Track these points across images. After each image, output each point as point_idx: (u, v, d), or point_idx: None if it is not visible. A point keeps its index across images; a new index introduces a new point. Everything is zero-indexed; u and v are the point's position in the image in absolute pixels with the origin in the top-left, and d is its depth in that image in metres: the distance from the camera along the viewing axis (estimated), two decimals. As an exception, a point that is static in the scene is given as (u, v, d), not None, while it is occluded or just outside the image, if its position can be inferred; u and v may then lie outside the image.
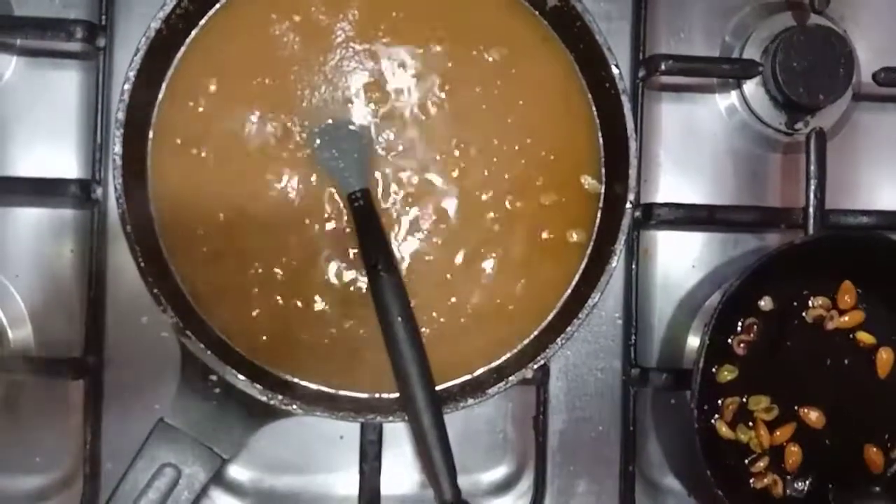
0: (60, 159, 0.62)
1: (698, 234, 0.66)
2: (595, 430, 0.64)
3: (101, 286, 0.60)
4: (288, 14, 0.55)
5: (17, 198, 0.61)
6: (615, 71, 0.54)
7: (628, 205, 0.55)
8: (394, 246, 0.56)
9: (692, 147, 0.67)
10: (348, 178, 0.55)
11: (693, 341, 0.65)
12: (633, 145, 0.55)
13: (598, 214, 0.58)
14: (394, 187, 0.56)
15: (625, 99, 0.55)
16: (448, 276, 0.56)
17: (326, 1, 0.55)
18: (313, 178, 0.55)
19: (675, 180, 0.67)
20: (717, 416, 0.61)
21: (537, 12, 0.57)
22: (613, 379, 0.64)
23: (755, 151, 0.67)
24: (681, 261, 0.66)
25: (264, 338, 0.54)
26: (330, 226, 0.55)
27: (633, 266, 0.64)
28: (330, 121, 0.55)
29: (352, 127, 0.56)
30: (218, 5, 0.55)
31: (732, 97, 0.67)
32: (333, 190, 0.55)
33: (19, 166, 0.61)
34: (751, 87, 0.66)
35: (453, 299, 0.56)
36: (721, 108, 0.67)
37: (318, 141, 0.55)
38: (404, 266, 0.55)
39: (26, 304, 0.61)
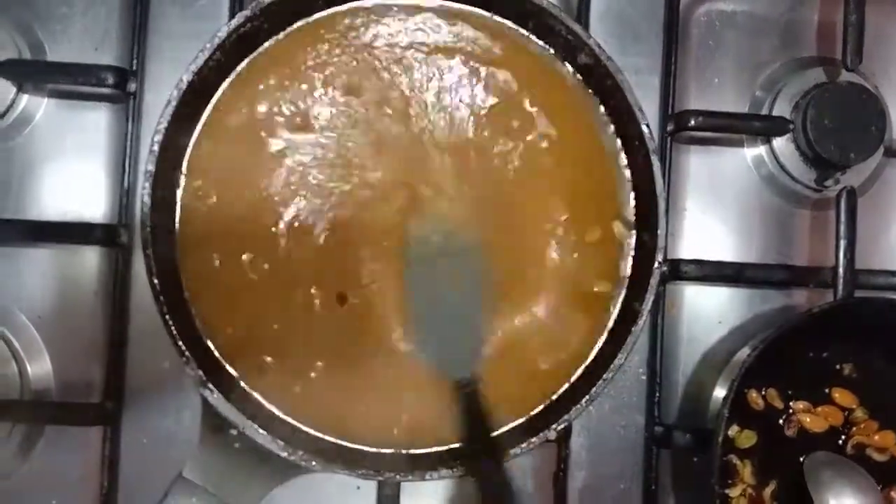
0: (87, 201, 0.62)
1: (725, 290, 0.65)
2: (616, 488, 0.63)
3: (124, 329, 0.60)
4: (318, 67, 0.55)
5: (43, 241, 0.61)
6: (645, 131, 0.54)
7: (656, 264, 0.54)
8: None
9: (719, 199, 0.66)
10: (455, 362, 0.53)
11: (717, 397, 0.64)
12: (661, 205, 0.54)
13: (622, 267, 0.57)
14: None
15: (654, 159, 0.54)
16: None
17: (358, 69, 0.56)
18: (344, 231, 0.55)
19: (701, 233, 0.66)
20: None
21: (569, 67, 0.57)
22: (636, 435, 0.63)
23: (783, 206, 0.66)
24: (707, 316, 0.65)
25: (289, 391, 0.53)
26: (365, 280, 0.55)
27: (659, 321, 0.63)
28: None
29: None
30: (252, 55, 0.55)
31: (761, 150, 0.66)
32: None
33: (46, 206, 0.62)
34: (780, 141, 0.65)
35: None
36: (749, 160, 0.67)
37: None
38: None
39: (47, 344, 0.61)
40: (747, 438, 0.60)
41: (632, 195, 0.57)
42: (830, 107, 0.63)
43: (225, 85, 0.54)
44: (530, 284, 0.56)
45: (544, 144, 0.57)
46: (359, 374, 0.54)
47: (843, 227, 0.61)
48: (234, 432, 0.51)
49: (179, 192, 0.54)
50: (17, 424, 0.59)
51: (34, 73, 0.60)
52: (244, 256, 0.54)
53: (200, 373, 0.50)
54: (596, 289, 0.57)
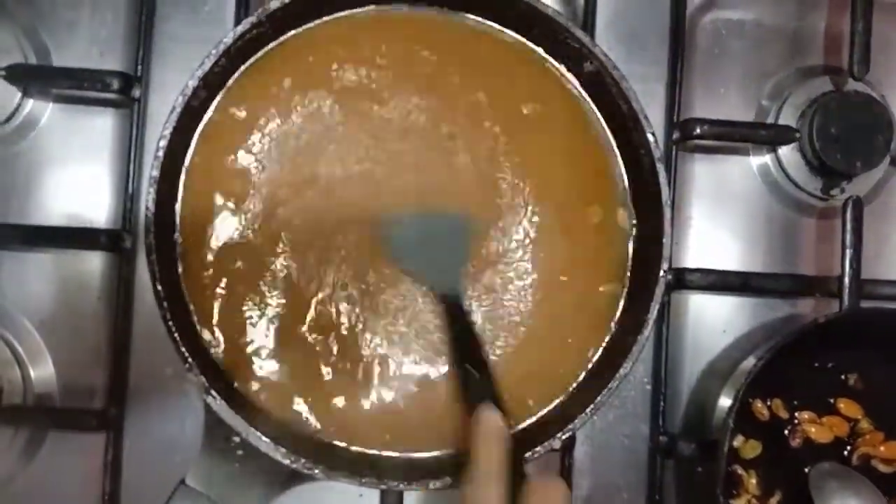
0: (91, 206, 0.62)
1: (730, 299, 0.65)
2: (620, 497, 0.63)
3: (127, 335, 0.60)
4: (323, 70, 0.56)
5: (47, 245, 0.61)
6: (651, 139, 0.54)
7: (661, 273, 0.54)
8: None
9: (724, 208, 0.66)
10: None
11: (722, 407, 0.63)
12: (667, 213, 0.54)
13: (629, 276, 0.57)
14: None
15: (660, 167, 0.54)
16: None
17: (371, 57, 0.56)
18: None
19: (706, 241, 0.65)
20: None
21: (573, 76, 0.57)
22: (640, 445, 0.63)
23: (789, 215, 0.66)
24: (712, 325, 0.65)
25: (291, 397, 0.53)
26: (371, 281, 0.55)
27: (664, 330, 0.62)
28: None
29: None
30: (253, 59, 0.55)
31: (767, 159, 0.66)
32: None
33: (50, 211, 0.62)
34: (786, 150, 0.65)
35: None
36: (755, 169, 0.67)
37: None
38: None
39: (50, 349, 0.61)
40: (752, 449, 0.60)
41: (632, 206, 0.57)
42: (837, 116, 0.62)
43: (228, 89, 0.54)
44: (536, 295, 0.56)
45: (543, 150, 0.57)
46: (360, 378, 0.54)
47: (848, 237, 0.61)
48: (236, 439, 0.51)
49: (183, 198, 0.54)
50: (20, 429, 0.59)
51: (39, 78, 0.60)
52: (246, 262, 0.54)
53: (203, 379, 0.50)
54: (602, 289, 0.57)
